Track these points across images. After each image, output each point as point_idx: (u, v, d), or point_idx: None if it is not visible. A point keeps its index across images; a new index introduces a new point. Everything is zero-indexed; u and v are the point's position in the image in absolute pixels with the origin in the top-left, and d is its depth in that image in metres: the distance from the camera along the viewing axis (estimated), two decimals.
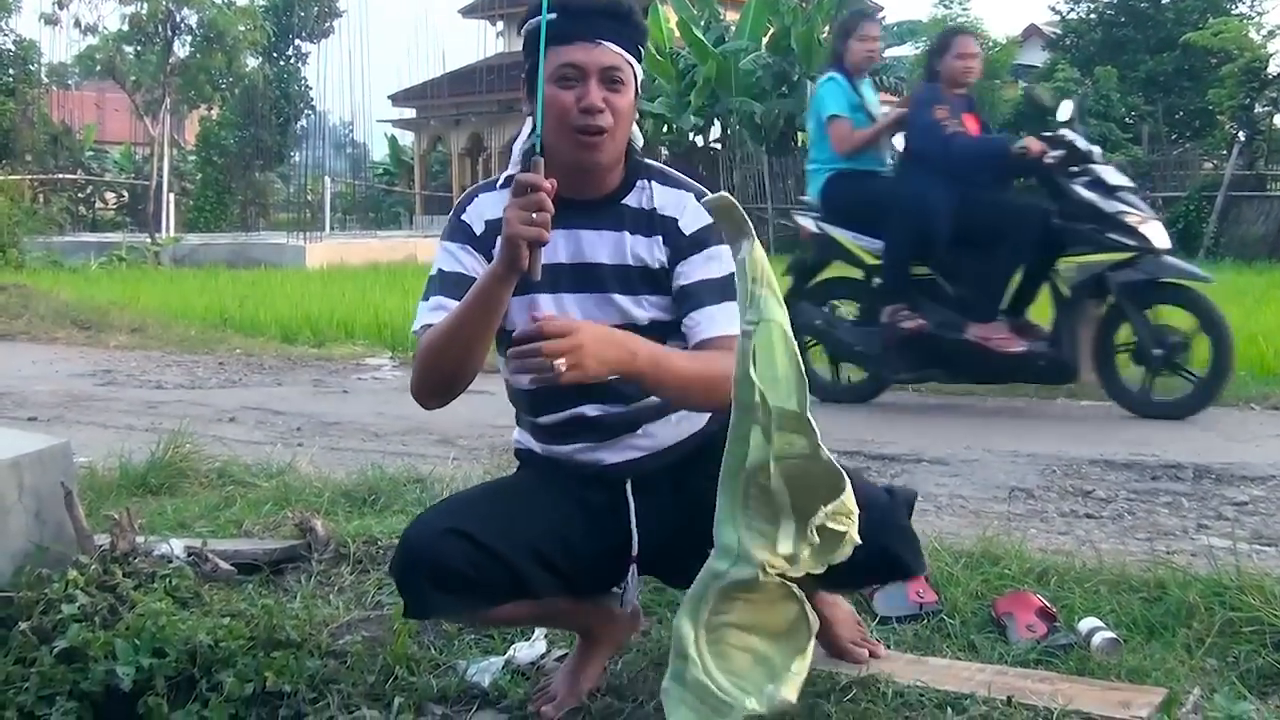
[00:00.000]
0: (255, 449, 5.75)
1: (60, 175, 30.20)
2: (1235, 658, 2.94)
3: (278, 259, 21.26)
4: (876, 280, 7.40)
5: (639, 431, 2.68)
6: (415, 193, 40.94)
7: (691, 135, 30.57)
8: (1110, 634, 2.99)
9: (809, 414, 2.28)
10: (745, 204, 2.90)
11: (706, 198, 2.37)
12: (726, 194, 2.31)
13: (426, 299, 2.66)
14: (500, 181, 2.65)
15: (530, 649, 3.08)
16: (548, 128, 2.49)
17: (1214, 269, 10.97)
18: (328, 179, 31.71)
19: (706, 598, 2.36)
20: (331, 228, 29.58)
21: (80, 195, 34.47)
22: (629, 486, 2.70)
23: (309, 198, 30.70)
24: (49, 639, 2.94)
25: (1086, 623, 3.06)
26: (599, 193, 2.62)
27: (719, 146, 30.44)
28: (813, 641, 2.41)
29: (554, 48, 2.50)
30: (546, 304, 2.60)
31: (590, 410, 2.65)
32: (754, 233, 2.31)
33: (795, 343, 2.31)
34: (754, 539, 2.31)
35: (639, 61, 2.62)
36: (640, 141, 2.70)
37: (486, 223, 2.66)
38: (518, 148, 2.66)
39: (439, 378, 2.57)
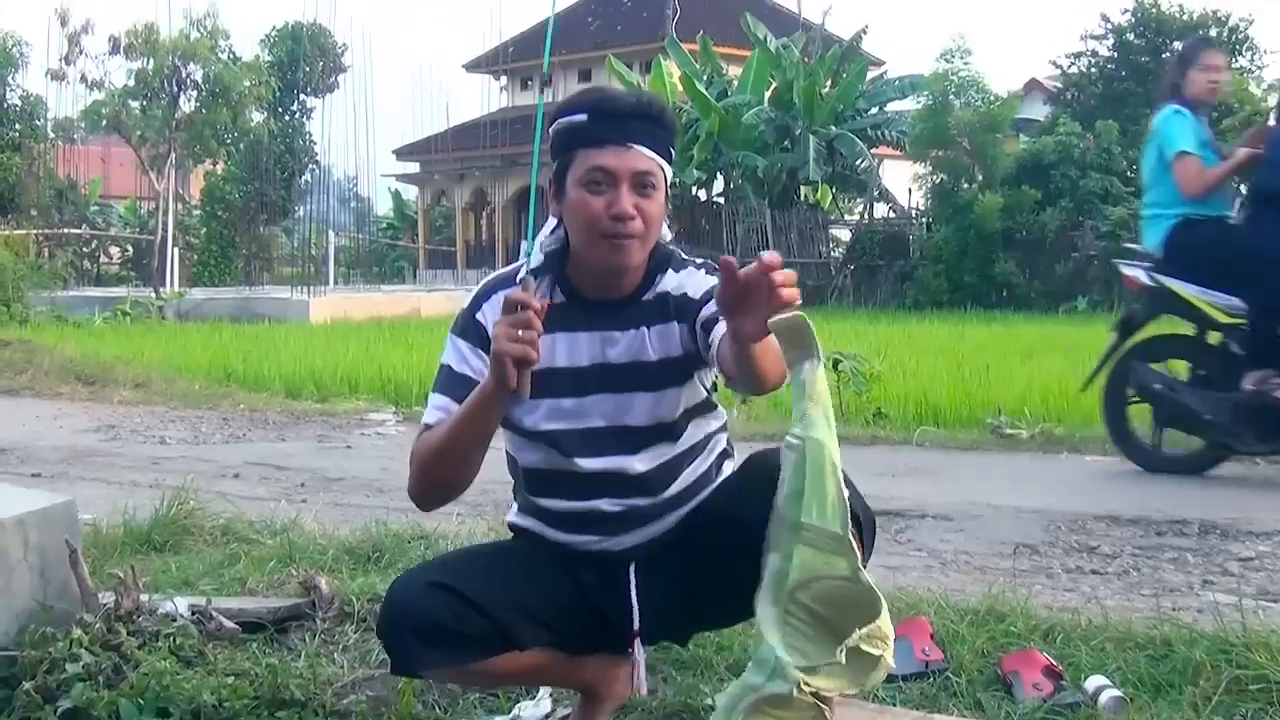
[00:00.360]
0: (259, 505, 5.75)
1: (65, 230, 30.32)
2: (1243, 715, 2.92)
3: (282, 313, 21.31)
4: (1226, 339, 6.59)
5: (659, 522, 2.65)
6: (419, 247, 41.07)
7: (694, 189, 30.70)
8: (1117, 692, 2.98)
9: (850, 536, 2.28)
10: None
11: (779, 317, 2.17)
12: (801, 315, 2.19)
13: (434, 393, 2.62)
14: (520, 276, 2.53)
15: (535, 708, 3.06)
16: (575, 231, 2.49)
17: None
18: (332, 233, 31.87)
19: (739, 710, 2.36)
20: (335, 282, 29.69)
21: (85, 250, 34.58)
22: (632, 567, 2.66)
23: (313, 252, 30.80)
24: (53, 698, 2.94)
25: (1093, 681, 3.05)
26: (621, 294, 2.59)
27: (722, 200, 30.57)
28: None
29: (584, 150, 2.46)
30: (569, 407, 2.59)
31: (609, 505, 2.61)
32: (821, 355, 2.27)
33: (841, 466, 2.30)
34: (792, 656, 2.31)
35: (670, 163, 2.56)
36: (669, 236, 2.65)
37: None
38: (541, 241, 2.60)
39: (435, 484, 2.57)
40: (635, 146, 2.48)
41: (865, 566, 2.35)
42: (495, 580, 2.55)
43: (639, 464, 2.59)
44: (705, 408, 2.65)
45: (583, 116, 2.45)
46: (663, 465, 2.61)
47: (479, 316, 2.62)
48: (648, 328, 2.59)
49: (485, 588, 2.50)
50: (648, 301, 2.60)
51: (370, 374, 11.64)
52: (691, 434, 2.64)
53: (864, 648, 2.30)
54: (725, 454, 2.75)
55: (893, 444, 7.80)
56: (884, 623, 2.31)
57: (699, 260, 2.63)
